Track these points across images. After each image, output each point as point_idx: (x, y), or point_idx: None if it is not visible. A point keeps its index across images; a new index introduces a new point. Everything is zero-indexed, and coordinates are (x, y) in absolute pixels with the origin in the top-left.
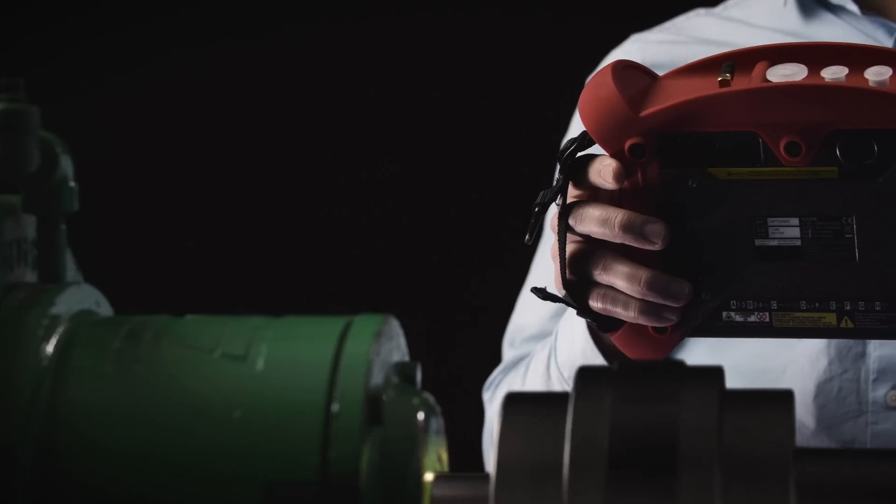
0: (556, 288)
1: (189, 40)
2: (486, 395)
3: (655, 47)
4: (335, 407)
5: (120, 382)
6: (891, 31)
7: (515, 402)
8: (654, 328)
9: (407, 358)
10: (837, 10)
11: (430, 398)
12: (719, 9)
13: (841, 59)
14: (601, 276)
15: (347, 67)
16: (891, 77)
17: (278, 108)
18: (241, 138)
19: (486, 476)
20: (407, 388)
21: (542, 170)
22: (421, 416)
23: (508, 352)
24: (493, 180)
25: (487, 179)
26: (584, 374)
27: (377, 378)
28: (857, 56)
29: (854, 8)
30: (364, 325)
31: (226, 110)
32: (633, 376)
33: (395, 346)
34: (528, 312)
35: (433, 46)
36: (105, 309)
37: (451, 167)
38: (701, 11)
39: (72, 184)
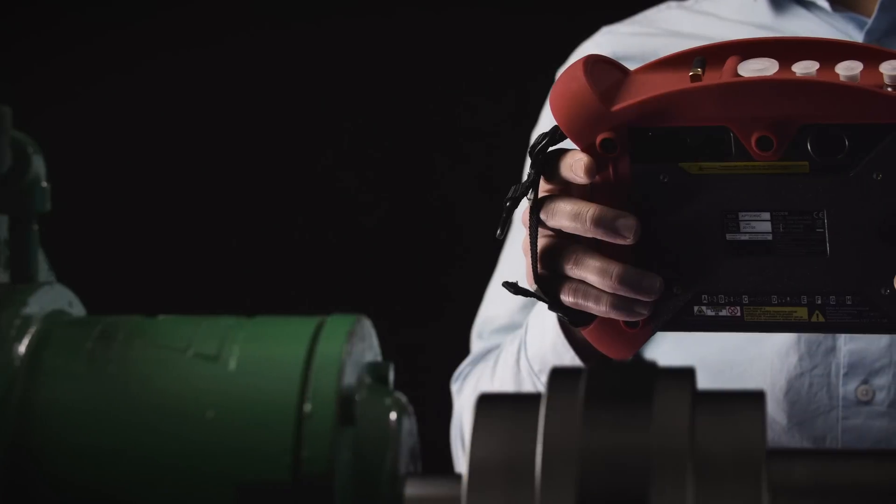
0: (527, 282)
1: (148, 46)
2: (454, 387)
3: (626, 39)
4: (308, 407)
5: (92, 382)
6: (861, 26)
7: (488, 403)
8: (625, 322)
9: (379, 358)
10: (808, 4)
11: (403, 398)
12: (690, 2)
13: (812, 54)
14: (572, 271)
15: (321, 70)
16: (861, 72)
17: (246, 110)
18: (212, 140)
19: (459, 476)
20: (379, 388)
21: (510, 164)
22: (393, 416)
23: (477, 343)
24: (461, 175)
25: (455, 175)
26: (557, 375)
27: (350, 378)
28: (828, 51)
29: (825, 3)
30: (336, 325)
31: (194, 111)
32: (606, 377)
33: (368, 346)
34: (497, 304)
35: (398, 42)
36: (77, 309)
37: (417, 163)
38: (672, 4)
39: (44, 184)
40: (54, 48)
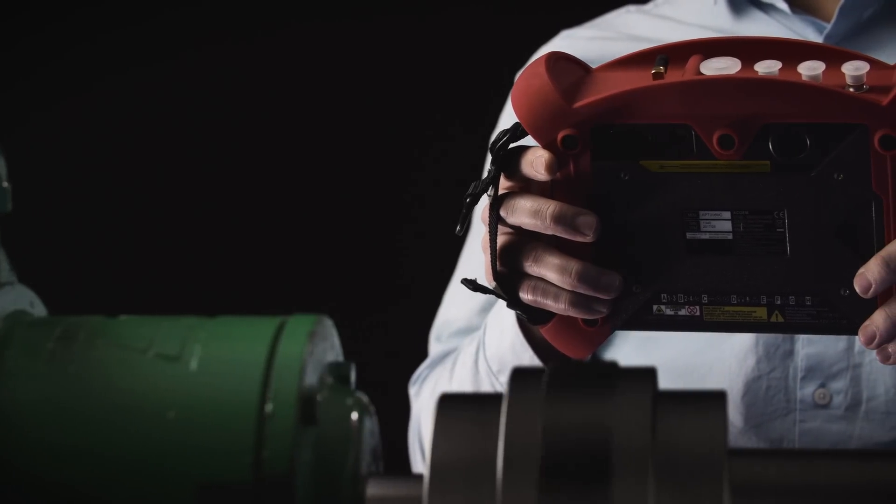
0: (486, 280)
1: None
2: (412, 390)
3: (586, 43)
4: (269, 407)
5: (54, 382)
6: (820, 30)
7: (448, 403)
8: (584, 321)
9: (341, 358)
10: (768, 8)
11: (364, 398)
12: (650, 6)
13: (774, 54)
14: (532, 268)
15: (290, 71)
16: (824, 72)
17: (206, 108)
18: (170, 140)
19: (420, 476)
20: (341, 388)
21: (470, 163)
22: (355, 416)
23: (435, 346)
24: (421, 172)
25: (416, 173)
26: (518, 375)
27: (311, 378)
28: (790, 51)
29: (784, 6)
30: (298, 325)
31: (154, 110)
32: (567, 377)
33: (330, 346)
34: (455, 307)
35: (360, 44)
36: (39, 309)
37: (378, 162)
38: (632, 8)
39: (5, 184)
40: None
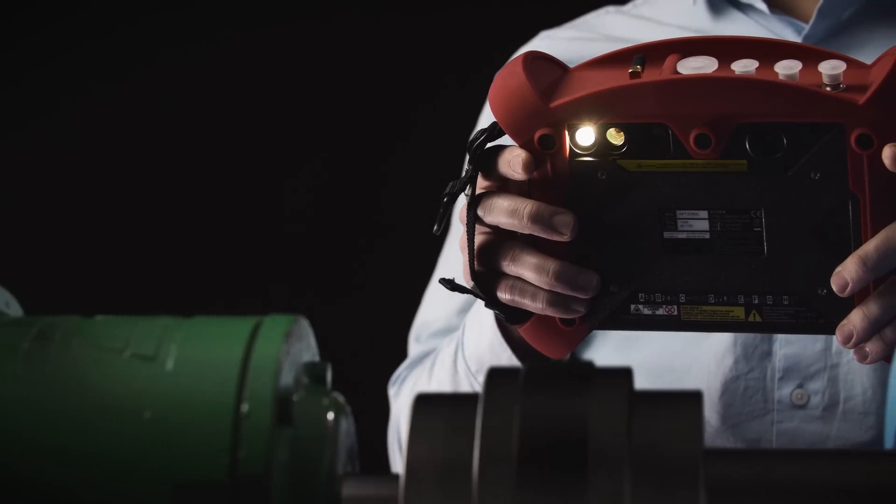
0: (464, 279)
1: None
2: (391, 391)
3: (565, 44)
4: (245, 407)
5: (30, 383)
6: (799, 30)
7: (425, 403)
8: (561, 320)
9: (317, 358)
10: (746, 8)
11: (341, 398)
12: (629, 6)
13: (752, 53)
14: (509, 268)
15: (265, 68)
16: (801, 71)
17: (178, 108)
18: (143, 140)
19: (396, 476)
20: (317, 389)
21: (449, 163)
22: (331, 416)
23: (415, 347)
24: (402, 174)
25: (395, 174)
26: (494, 375)
27: (287, 378)
28: (767, 50)
29: (763, 7)
30: (274, 325)
31: (131, 112)
32: (543, 377)
33: (306, 347)
34: (434, 307)
35: (335, 43)
36: (14, 310)
37: (355, 162)
38: (611, 9)
39: None
40: None
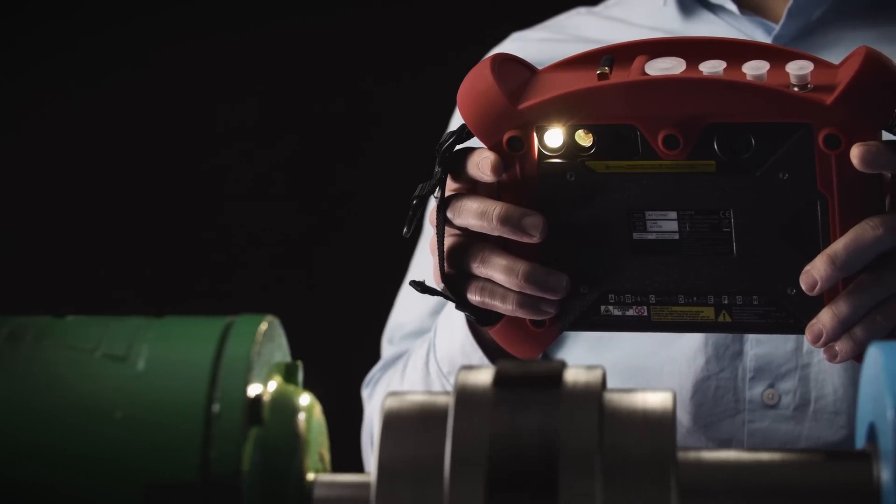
0: (435, 281)
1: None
2: (364, 393)
3: (536, 45)
4: (216, 407)
5: (1, 383)
6: (769, 31)
7: (396, 404)
8: (532, 322)
9: (289, 358)
10: (716, 9)
11: (312, 398)
12: (600, 7)
13: (719, 54)
14: (479, 269)
15: (224, 71)
16: (768, 71)
17: (145, 107)
18: (114, 140)
19: (368, 477)
20: (288, 389)
21: (421, 167)
22: (302, 416)
23: (387, 349)
24: (374, 175)
25: (368, 175)
26: (465, 375)
27: (258, 378)
28: (735, 51)
29: (733, 7)
30: (245, 325)
31: (91, 112)
32: (515, 376)
33: (277, 347)
34: (407, 309)
35: (300, 39)
36: None
37: (327, 166)
38: (582, 10)
39: None
40: None
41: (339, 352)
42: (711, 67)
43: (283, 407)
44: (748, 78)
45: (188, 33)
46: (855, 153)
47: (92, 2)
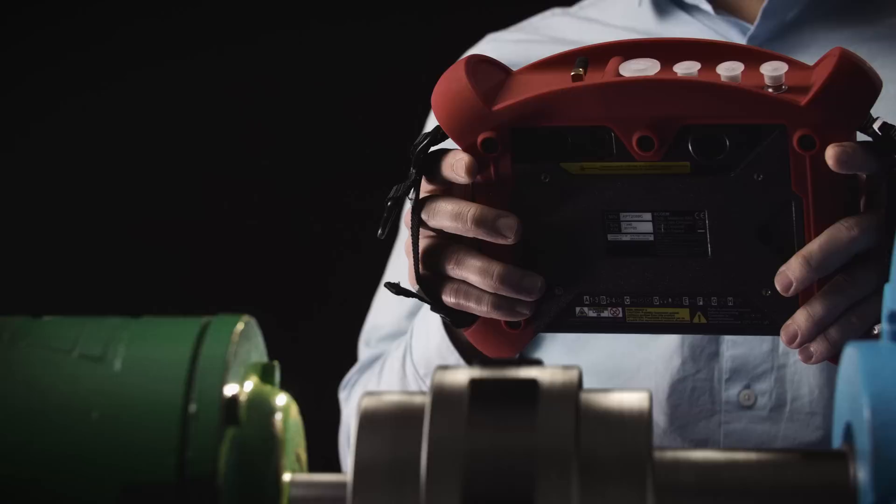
0: (410, 283)
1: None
2: (342, 395)
3: (511, 46)
4: (192, 408)
5: None
6: (744, 31)
7: (373, 404)
8: (507, 323)
9: (265, 359)
10: (692, 9)
11: (289, 399)
12: (575, 8)
13: (694, 55)
14: (454, 271)
15: (213, 75)
16: (743, 72)
17: (132, 107)
18: (93, 139)
19: (344, 477)
20: (265, 389)
21: (397, 167)
22: (279, 416)
23: (364, 351)
24: (349, 178)
25: (342, 177)
26: (442, 374)
27: (235, 379)
28: (709, 52)
29: (708, 8)
30: (222, 325)
31: (77, 111)
32: (491, 377)
33: (254, 347)
34: (384, 312)
35: (286, 51)
36: None
37: (303, 165)
38: (557, 11)
39: None
40: None
41: (316, 352)
42: (686, 69)
43: (260, 407)
44: (723, 79)
45: (181, 43)
46: (829, 154)
47: (95, 5)
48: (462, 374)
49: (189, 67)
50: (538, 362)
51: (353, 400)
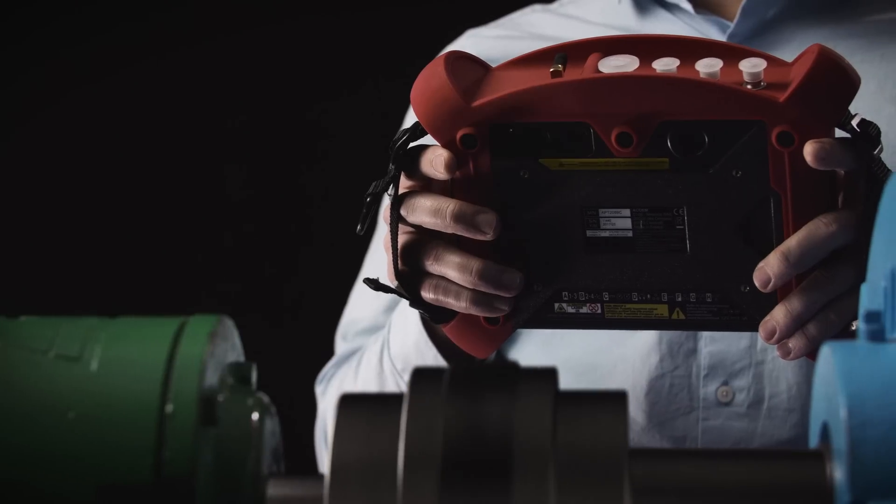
0: (388, 279)
1: None
2: (318, 389)
3: (490, 42)
4: (169, 408)
5: None
6: (724, 29)
7: (350, 402)
8: (486, 319)
9: (242, 358)
10: (671, 7)
11: (265, 398)
12: (555, 5)
13: (673, 52)
14: (433, 267)
15: (188, 73)
16: (721, 69)
17: (108, 107)
18: (70, 140)
19: (321, 476)
20: (242, 389)
21: (375, 164)
22: (256, 416)
23: (341, 345)
24: (328, 174)
25: (321, 173)
26: (419, 374)
27: (211, 378)
28: (688, 48)
29: (687, 6)
30: (198, 325)
31: (55, 112)
32: (468, 377)
33: (231, 347)
34: (361, 306)
35: (260, 45)
36: None
37: (280, 164)
38: (537, 7)
39: None
40: None
41: (293, 349)
42: (665, 65)
43: (237, 407)
44: (701, 76)
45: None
46: (808, 150)
47: (94, 2)
48: (439, 374)
49: (158, 65)
50: (514, 364)
51: (329, 394)
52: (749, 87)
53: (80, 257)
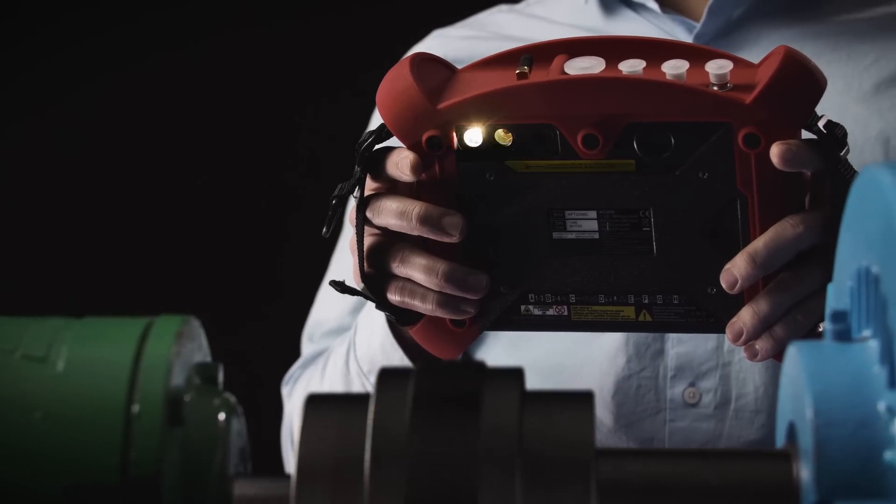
0: (354, 281)
1: None
2: (284, 390)
3: (457, 43)
4: (135, 408)
5: None
6: (690, 29)
7: (316, 402)
8: (452, 321)
9: (208, 359)
10: (638, 7)
11: (232, 398)
12: (522, 5)
13: (639, 53)
14: (399, 269)
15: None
16: (688, 70)
17: (82, 108)
18: (41, 139)
19: (288, 476)
20: (208, 389)
21: (342, 164)
22: (222, 416)
23: (308, 346)
24: (292, 172)
25: (286, 172)
26: (385, 375)
27: (178, 379)
28: (655, 50)
29: (654, 6)
30: (165, 325)
31: (39, 114)
32: (435, 376)
33: (197, 347)
34: (327, 307)
35: (233, 48)
36: None
37: (249, 163)
38: (504, 8)
39: None
40: None
41: (260, 350)
42: (631, 67)
43: (203, 407)
44: (668, 77)
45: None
46: (774, 152)
47: (94, 2)
48: (406, 375)
49: (143, 68)
50: (481, 364)
51: (295, 395)
52: (715, 88)
53: (45, 258)
